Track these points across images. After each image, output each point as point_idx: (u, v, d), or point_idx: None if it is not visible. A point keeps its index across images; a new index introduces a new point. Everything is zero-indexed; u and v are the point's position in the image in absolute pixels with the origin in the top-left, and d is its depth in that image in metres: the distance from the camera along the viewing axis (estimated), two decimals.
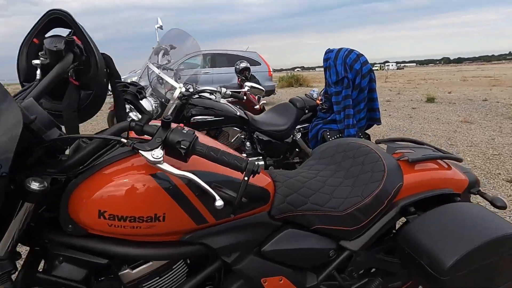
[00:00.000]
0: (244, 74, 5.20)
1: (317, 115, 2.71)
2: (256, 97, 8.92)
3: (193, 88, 2.30)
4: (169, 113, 2.20)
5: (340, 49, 2.63)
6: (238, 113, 2.38)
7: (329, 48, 2.76)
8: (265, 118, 2.75)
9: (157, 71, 2.21)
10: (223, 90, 2.20)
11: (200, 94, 2.33)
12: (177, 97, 2.16)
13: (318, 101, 2.70)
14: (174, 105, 2.22)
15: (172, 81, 2.16)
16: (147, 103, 2.20)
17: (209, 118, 2.34)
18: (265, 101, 5.65)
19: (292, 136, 2.72)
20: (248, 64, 5.27)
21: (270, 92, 9.62)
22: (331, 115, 2.65)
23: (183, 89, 2.13)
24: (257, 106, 5.51)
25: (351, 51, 2.56)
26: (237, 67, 5.29)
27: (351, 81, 2.50)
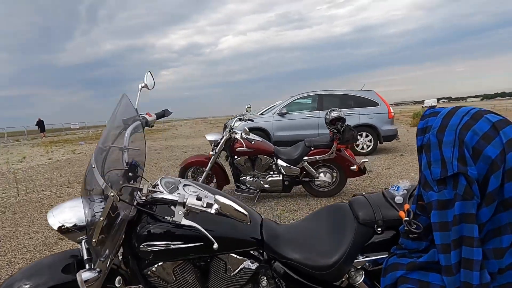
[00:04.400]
0: (336, 126, 3.99)
1: (400, 242, 1.35)
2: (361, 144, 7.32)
3: (148, 191, 1.32)
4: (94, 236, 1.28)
5: (454, 110, 1.27)
6: (215, 245, 1.22)
7: (430, 107, 1.43)
8: (294, 235, 1.53)
9: (93, 163, 1.35)
10: (187, 203, 1.16)
11: (158, 203, 1.36)
12: (110, 208, 1.25)
13: (402, 213, 1.35)
14: (102, 220, 1.29)
15: (99, 177, 1.26)
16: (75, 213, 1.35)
17: (173, 244, 1.32)
18: (366, 160, 4.24)
19: (347, 277, 1.42)
20: (342, 113, 4.04)
21: (391, 137, 7.87)
22: (429, 251, 1.26)
23: (115, 193, 1.19)
24: (355, 167, 4.15)
25: (479, 115, 1.18)
26: (327, 116, 4.12)
27: (474, 182, 1.11)
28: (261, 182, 4.22)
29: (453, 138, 1.21)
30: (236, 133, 4.18)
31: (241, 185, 4.32)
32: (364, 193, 1.67)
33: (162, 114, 1.76)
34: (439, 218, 1.20)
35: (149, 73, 1.78)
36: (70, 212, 1.41)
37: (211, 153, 4.25)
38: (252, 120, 5.18)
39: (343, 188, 4.42)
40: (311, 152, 4.17)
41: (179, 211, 1.20)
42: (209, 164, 4.26)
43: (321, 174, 4.24)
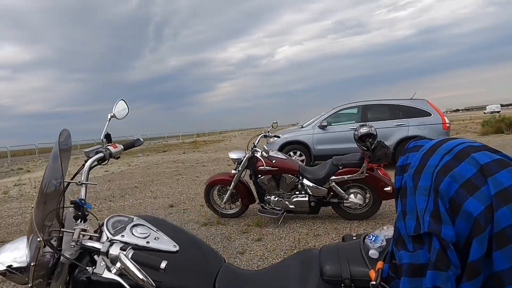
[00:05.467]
0: (365, 143, 3.62)
1: None
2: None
3: None
4: None
5: (438, 144, 0.99)
6: None
7: (418, 138, 1.15)
8: (253, 287, 1.32)
9: (35, 202, 1.29)
10: (109, 253, 1.04)
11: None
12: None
13: (373, 273, 1.07)
14: None
15: (33, 219, 1.20)
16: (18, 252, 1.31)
17: None
18: None
19: None
20: (372, 128, 3.66)
21: None
22: None
23: (41, 238, 1.11)
24: (389, 188, 3.73)
25: (464, 153, 0.89)
26: (356, 133, 3.77)
27: (449, 247, 0.83)
28: (286, 202, 3.98)
29: (429, 184, 0.94)
30: (257, 151, 4.02)
31: (266, 204, 4.13)
32: (354, 235, 1.41)
33: (131, 145, 1.68)
34: (414, 286, 0.93)
35: (121, 101, 1.72)
36: (21, 251, 1.37)
37: (233, 171, 4.14)
38: (279, 137, 4.96)
39: (378, 210, 4.00)
40: (339, 171, 3.84)
41: (101, 262, 1.09)
42: (232, 183, 4.15)
43: (352, 195, 3.88)
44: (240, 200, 4.35)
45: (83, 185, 1.47)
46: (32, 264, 1.19)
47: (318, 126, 7.79)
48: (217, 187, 4.44)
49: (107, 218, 1.34)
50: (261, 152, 3.95)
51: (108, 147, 1.57)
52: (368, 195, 3.94)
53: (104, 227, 1.28)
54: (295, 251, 3.19)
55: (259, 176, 4.05)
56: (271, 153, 4.06)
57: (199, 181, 7.64)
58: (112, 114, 1.63)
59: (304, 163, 7.85)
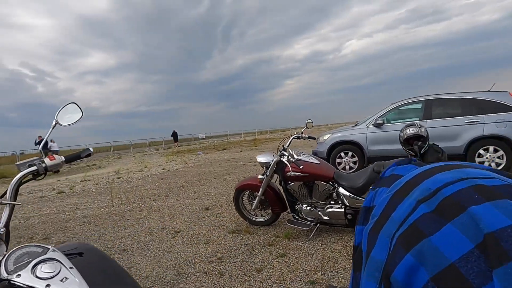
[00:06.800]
0: (413, 147, 2.97)
1: None
2: None
3: None
4: None
5: (422, 175, 0.54)
6: None
7: (405, 160, 0.70)
8: None
9: None
10: None
11: None
12: None
13: None
14: None
15: None
16: None
17: None
18: None
19: None
20: (422, 129, 2.99)
21: None
22: None
23: None
24: None
25: (460, 199, 0.44)
26: (401, 134, 3.13)
27: None
28: (320, 212, 3.51)
29: (384, 260, 0.50)
30: (284, 155, 3.61)
31: (297, 214, 3.70)
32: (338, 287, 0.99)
33: (76, 156, 1.43)
34: None
35: (72, 104, 1.49)
36: None
37: (260, 176, 3.79)
38: (314, 138, 4.45)
39: None
40: None
41: None
42: (261, 189, 3.81)
43: None
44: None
45: (8, 205, 1.25)
46: None
47: (372, 124, 7.02)
48: (247, 192, 4.13)
49: (15, 248, 1.09)
50: (287, 156, 3.53)
51: (45, 159, 1.34)
52: None
53: (3, 262, 1.03)
54: (319, 274, 2.73)
55: (289, 182, 3.64)
56: (301, 157, 3.61)
57: None
58: (55, 121, 1.41)
59: (357, 165, 7.15)
